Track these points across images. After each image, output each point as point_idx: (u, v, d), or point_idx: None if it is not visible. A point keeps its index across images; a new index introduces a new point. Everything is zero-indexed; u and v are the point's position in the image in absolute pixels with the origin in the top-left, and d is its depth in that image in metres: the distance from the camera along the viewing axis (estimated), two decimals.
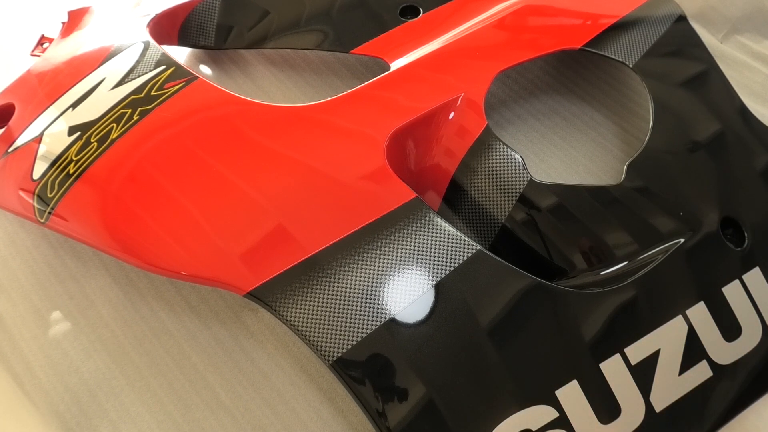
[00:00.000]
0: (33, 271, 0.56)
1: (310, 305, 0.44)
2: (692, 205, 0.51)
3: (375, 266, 0.45)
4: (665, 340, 0.46)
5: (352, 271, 0.45)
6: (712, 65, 0.63)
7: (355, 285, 0.44)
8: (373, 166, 0.49)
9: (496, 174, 0.52)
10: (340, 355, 0.42)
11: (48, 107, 0.55)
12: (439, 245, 0.46)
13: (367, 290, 0.44)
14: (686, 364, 0.46)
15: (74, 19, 0.66)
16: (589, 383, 0.44)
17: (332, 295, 0.44)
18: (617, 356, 0.45)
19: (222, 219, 0.47)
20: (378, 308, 0.44)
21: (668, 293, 0.48)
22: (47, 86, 0.57)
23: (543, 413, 0.42)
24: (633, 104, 0.69)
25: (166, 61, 0.56)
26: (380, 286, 0.44)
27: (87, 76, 0.56)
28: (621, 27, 0.63)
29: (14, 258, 0.56)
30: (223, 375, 0.50)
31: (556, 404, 0.43)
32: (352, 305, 0.44)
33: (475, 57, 0.58)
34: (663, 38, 0.63)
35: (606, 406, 0.44)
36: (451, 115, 0.54)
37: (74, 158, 0.50)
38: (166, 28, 0.66)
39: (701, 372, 0.46)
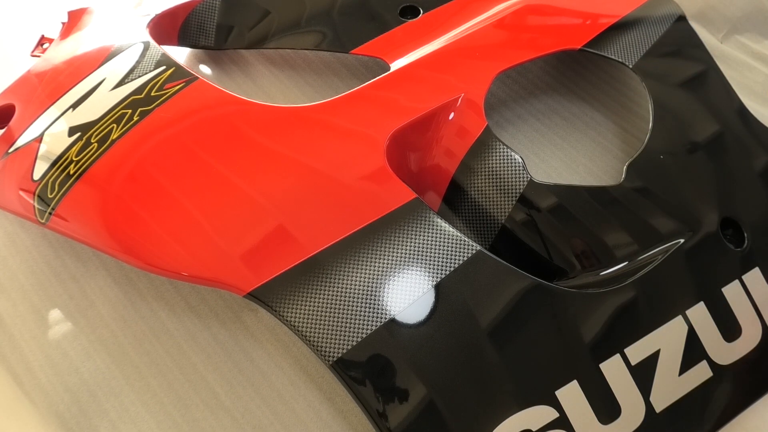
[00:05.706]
0: (33, 271, 0.56)
1: (310, 306, 0.44)
2: (692, 206, 0.51)
3: (375, 267, 0.45)
4: (665, 340, 0.46)
5: (353, 272, 0.45)
6: (712, 66, 0.63)
7: (355, 285, 0.44)
8: (373, 166, 0.49)
9: (496, 174, 0.52)
10: (340, 355, 0.42)
11: (48, 108, 0.55)
12: (439, 246, 0.46)
13: (368, 291, 0.44)
14: (686, 364, 0.46)
15: (74, 20, 0.66)
16: (589, 383, 0.44)
17: (332, 295, 0.44)
18: (617, 356, 0.45)
19: (222, 219, 0.47)
20: (378, 309, 0.44)
21: (668, 293, 0.48)
22: (47, 87, 0.57)
23: (543, 414, 0.42)
24: (633, 104, 0.69)
25: (166, 61, 0.56)
26: (380, 287, 0.44)
27: (87, 76, 0.56)
28: (621, 27, 0.63)
29: (14, 258, 0.56)
30: (222, 375, 0.50)
31: (556, 404, 0.43)
32: (353, 306, 0.44)
33: (475, 57, 0.58)
34: (663, 38, 0.63)
35: (606, 407, 0.44)
36: (451, 115, 0.54)
37: (74, 159, 0.50)
38: (166, 28, 0.66)
39: (701, 372, 0.46)
